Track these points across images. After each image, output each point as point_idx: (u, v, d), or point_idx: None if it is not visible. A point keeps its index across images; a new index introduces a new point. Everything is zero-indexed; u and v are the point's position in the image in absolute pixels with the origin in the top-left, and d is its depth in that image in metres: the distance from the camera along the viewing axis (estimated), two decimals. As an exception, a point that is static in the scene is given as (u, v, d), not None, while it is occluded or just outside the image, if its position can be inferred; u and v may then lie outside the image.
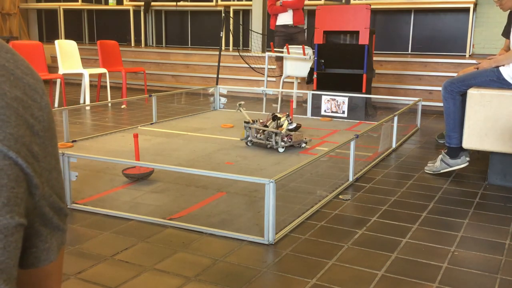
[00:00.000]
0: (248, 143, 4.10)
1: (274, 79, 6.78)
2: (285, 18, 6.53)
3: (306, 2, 8.70)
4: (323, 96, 5.61)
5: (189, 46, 10.39)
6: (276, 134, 3.91)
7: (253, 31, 7.98)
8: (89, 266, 2.04)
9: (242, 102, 4.67)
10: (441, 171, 3.40)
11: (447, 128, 3.39)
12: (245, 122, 4.12)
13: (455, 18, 8.08)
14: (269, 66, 6.55)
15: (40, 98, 0.56)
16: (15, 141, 0.49)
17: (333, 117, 5.58)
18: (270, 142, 3.94)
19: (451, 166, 3.38)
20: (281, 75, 6.79)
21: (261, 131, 4.02)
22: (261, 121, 4.12)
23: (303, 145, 4.11)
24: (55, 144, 0.58)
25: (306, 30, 6.77)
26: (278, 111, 6.07)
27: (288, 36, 6.61)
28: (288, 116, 4.03)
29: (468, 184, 3.25)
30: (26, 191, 0.51)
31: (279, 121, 4.01)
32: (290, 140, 3.99)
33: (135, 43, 10.35)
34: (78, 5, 10.81)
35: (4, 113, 0.49)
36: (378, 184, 3.22)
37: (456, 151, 3.35)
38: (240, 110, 4.49)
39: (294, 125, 4.03)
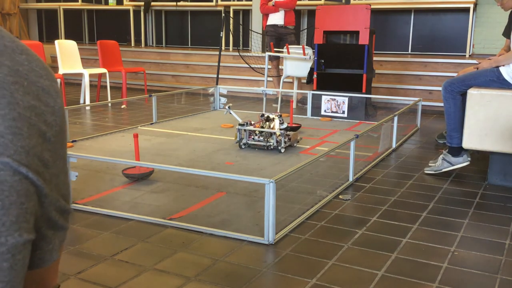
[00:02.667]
0: (243, 145, 4.04)
1: (271, 79, 6.79)
2: (275, 18, 6.53)
3: (306, 2, 8.73)
4: (323, 96, 5.61)
5: (189, 46, 10.39)
6: (278, 134, 3.90)
7: (253, 31, 7.98)
8: (89, 266, 2.04)
9: (230, 104, 4.65)
10: (443, 170, 3.40)
11: (448, 128, 3.39)
12: (239, 124, 4.04)
13: (455, 18, 8.08)
14: (269, 66, 6.55)
15: (53, 101, 0.55)
16: (26, 154, 0.48)
17: (333, 117, 5.58)
18: (271, 143, 3.93)
19: (453, 165, 3.38)
20: (276, 75, 6.79)
21: (258, 132, 3.99)
22: (252, 122, 4.09)
23: (295, 144, 4.12)
24: (65, 146, 0.58)
25: (295, 32, 6.74)
26: (278, 111, 6.07)
27: (278, 37, 6.61)
28: (280, 116, 4.01)
29: (468, 184, 3.25)
30: (36, 204, 0.51)
31: (272, 122, 3.98)
32: (289, 140, 3.99)
33: (135, 43, 10.35)
34: (78, 5, 10.81)
35: (16, 125, 0.48)
36: (378, 184, 3.22)
37: (457, 150, 3.35)
38: (230, 113, 4.44)
39: (285, 125, 4.01)
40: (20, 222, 0.48)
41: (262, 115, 4.05)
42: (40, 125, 0.51)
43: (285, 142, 3.94)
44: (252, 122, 4.07)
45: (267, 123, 4.01)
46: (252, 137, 4.01)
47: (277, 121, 3.96)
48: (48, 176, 0.52)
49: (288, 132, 3.99)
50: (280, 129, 3.94)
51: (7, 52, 0.52)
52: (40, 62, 0.56)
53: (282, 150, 3.91)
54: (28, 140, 0.49)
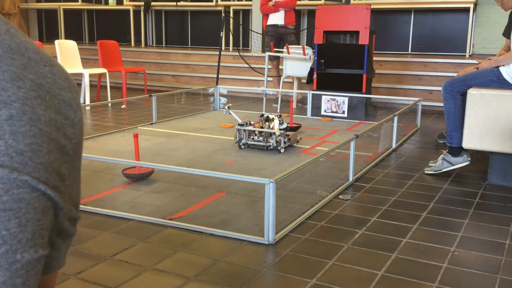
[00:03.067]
0: (242, 146, 4.03)
1: (271, 79, 6.79)
2: (276, 18, 6.53)
3: (306, 2, 8.73)
4: (323, 96, 5.61)
5: (189, 46, 10.39)
6: (278, 134, 3.89)
7: (253, 31, 7.98)
8: (89, 266, 2.04)
9: (230, 104, 4.65)
10: (443, 170, 3.40)
11: (448, 128, 3.39)
12: (239, 124, 4.02)
13: (455, 18, 8.08)
14: (269, 66, 6.55)
15: (74, 114, 0.55)
16: (45, 171, 0.49)
17: (333, 117, 5.58)
18: (271, 143, 3.92)
19: (453, 165, 3.38)
20: (276, 75, 6.79)
21: (257, 132, 3.98)
22: (252, 122, 4.07)
23: (295, 144, 4.11)
24: (81, 157, 0.58)
25: (295, 32, 6.75)
26: (278, 111, 6.07)
27: (278, 37, 6.61)
28: (279, 116, 4.00)
29: (468, 184, 3.25)
30: (52, 218, 0.51)
31: (272, 122, 3.97)
32: (288, 140, 3.99)
33: (135, 43, 10.35)
34: (78, 5, 10.81)
35: (36, 142, 0.48)
36: (378, 184, 3.22)
37: (457, 150, 3.36)
38: (230, 113, 4.43)
39: (285, 125, 4.00)
40: (36, 239, 0.48)
41: (262, 115, 4.04)
42: (60, 139, 0.52)
43: (284, 142, 3.93)
44: (252, 122, 4.06)
45: (267, 123, 4.00)
46: (252, 137, 4.00)
47: (276, 121, 3.95)
48: (63, 189, 0.53)
49: (287, 132, 3.98)
50: (280, 129, 3.93)
51: (31, 65, 0.52)
52: (63, 73, 0.56)
53: (282, 151, 3.91)
54: (47, 156, 0.49)
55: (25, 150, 0.47)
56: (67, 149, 0.53)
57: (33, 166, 0.48)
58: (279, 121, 3.95)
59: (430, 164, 3.54)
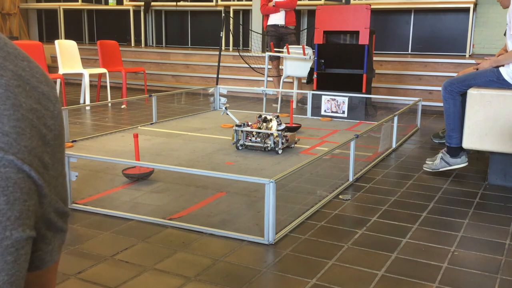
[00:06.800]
0: (240, 147, 4.00)
1: (271, 79, 6.79)
2: (276, 18, 6.54)
3: (306, 2, 8.74)
4: (323, 96, 5.61)
5: (189, 46, 10.39)
6: (276, 135, 3.88)
7: (253, 31, 7.98)
8: (89, 266, 2.04)
9: (227, 105, 4.65)
10: (440, 170, 3.40)
11: (447, 128, 3.39)
12: (236, 125, 3.99)
13: (455, 18, 8.08)
14: (269, 66, 6.55)
15: (53, 106, 0.57)
16: (28, 153, 0.51)
17: (333, 117, 5.58)
18: (268, 144, 3.91)
19: (450, 165, 3.38)
20: (276, 75, 6.79)
21: (255, 133, 3.96)
22: (249, 123, 4.05)
23: (293, 145, 4.09)
24: (63, 150, 0.60)
25: (296, 32, 6.75)
26: (278, 111, 6.08)
27: (279, 37, 6.62)
28: (277, 117, 3.98)
29: (468, 184, 3.25)
30: (36, 202, 0.52)
31: (270, 123, 3.95)
32: (286, 141, 3.97)
33: (135, 43, 10.35)
34: (78, 5, 10.81)
35: (20, 126, 0.50)
36: (378, 184, 3.22)
37: (456, 150, 3.36)
38: (227, 113, 4.41)
39: (283, 125, 3.98)
40: (23, 218, 0.50)
41: (260, 116, 4.02)
42: (41, 128, 0.53)
43: (282, 144, 3.91)
44: (250, 123, 4.04)
45: (265, 124, 3.98)
46: (250, 138, 3.98)
47: (274, 122, 3.93)
48: (47, 177, 0.54)
49: (285, 133, 3.97)
50: (278, 130, 3.91)
51: (10, 58, 0.54)
52: (39, 69, 0.58)
53: (280, 152, 3.89)
54: (30, 141, 0.51)
55: (10, 132, 0.49)
56: (48, 138, 0.55)
57: (18, 147, 0.49)
58: (277, 122, 3.93)
59: (427, 162, 3.53)
